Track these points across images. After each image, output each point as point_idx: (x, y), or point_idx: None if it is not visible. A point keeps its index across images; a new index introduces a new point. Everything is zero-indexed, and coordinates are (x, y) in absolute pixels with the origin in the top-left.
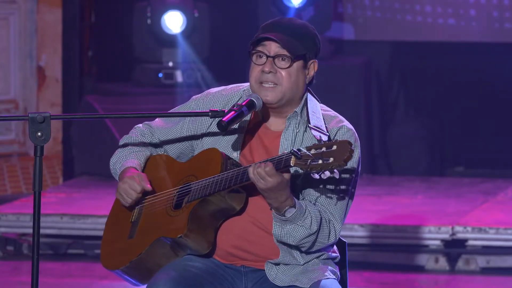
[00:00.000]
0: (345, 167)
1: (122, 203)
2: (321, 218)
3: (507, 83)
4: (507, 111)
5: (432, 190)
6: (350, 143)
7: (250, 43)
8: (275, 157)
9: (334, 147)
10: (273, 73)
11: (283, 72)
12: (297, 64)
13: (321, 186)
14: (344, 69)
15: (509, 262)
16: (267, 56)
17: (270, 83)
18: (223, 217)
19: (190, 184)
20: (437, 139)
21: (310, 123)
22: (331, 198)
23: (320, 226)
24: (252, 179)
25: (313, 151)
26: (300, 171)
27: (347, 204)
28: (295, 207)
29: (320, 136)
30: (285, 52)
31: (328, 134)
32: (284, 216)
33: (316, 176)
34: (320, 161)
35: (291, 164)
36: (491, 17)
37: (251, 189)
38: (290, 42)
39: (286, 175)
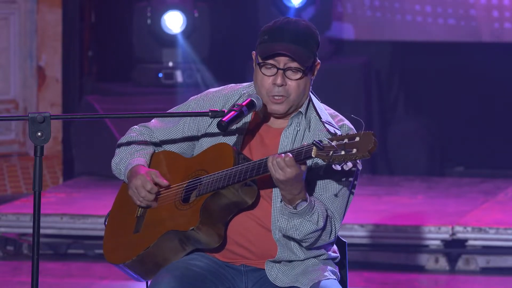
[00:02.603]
0: (347, 167)
1: (133, 200)
2: (327, 215)
3: (507, 83)
4: (507, 111)
5: (432, 190)
6: (374, 134)
7: (257, 53)
8: (295, 149)
9: (357, 139)
10: (284, 85)
11: (294, 84)
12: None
13: (323, 185)
14: (344, 69)
15: (509, 262)
16: (278, 69)
17: (280, 95)
18: (234, 211)
19: (201, 178)
20: (437, 139)
21: (321, 118)
22: (332, 197)
23: (325, 223)
24: (270, 169)
25: (335, 142)
26: (322, 162)
27: (347, 204)
28: (306, 201)
29: (334, 131)
30: (296, 64)
31: (339, 129)
32: (295, 209)
33: (338, 167)
34: (343, 152)
35: (312, 155)
36: (491, 17)
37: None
38: (300, 54)
39: (303, 167)
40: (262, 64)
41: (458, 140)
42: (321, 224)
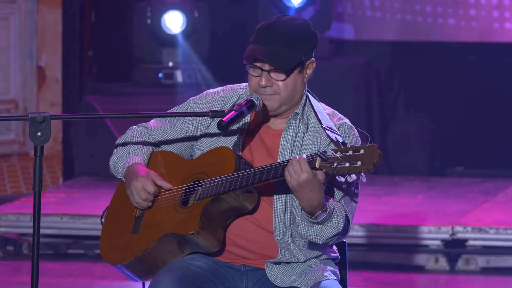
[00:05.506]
0: (351, 179)
1: (131, 200)
2: (346, 216)
3: (507, 83)
4: (507, 111)
5: (432, 190)
6: (379, 147)
7: (244, 55)
8: None
9: (362, 151)
10: (270, 86)
11: (280, 84)
12: (294, 73)
13: (334, 187)
14: (344, 69)
15: (509, 262)
16: (262, 70)
17: (268, 92)
18: (233, 216)
19: (201, 182)
20: (437, 139)
21: (322, 124)
22: (344, 198)
23: (345, 224)
24: (286, 175)
25: (339, 154)
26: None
27: (356, 202)
28: (326, 211)
29: (336, 138)
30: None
31: (341, 134)
32: (316, 219)
33: (342, 179)
34: (347, 164)
35: (316, 166)
36: (491, 17)
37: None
38: (280, 58)
39: (320, 176)
40: (248, 65)
41: (458, 140)
42: (341, 226)
